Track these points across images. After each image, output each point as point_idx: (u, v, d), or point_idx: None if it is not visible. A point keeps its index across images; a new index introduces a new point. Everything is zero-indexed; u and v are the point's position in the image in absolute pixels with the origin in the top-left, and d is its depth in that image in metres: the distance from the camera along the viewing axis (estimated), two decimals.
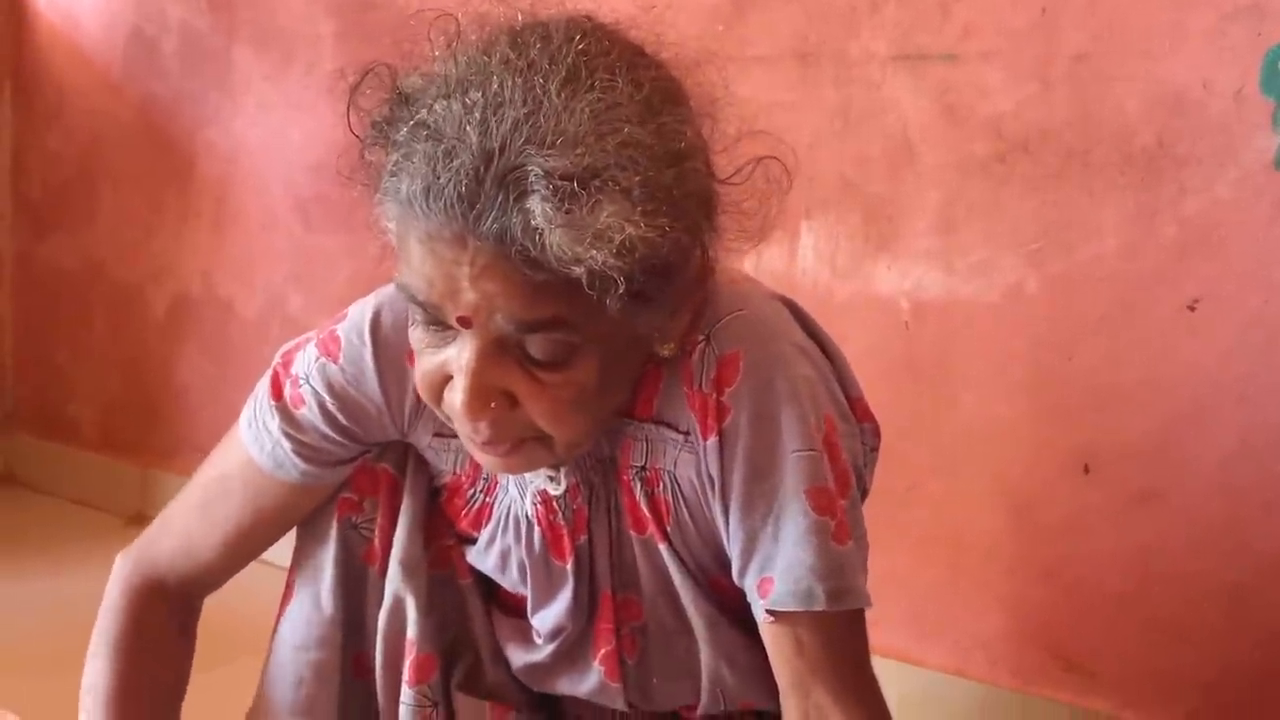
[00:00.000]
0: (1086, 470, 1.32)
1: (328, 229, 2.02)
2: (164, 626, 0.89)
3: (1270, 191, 1.20)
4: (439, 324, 0.68)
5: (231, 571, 0.91)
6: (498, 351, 0.67)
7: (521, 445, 0.71)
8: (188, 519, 0.89)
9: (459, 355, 0.68)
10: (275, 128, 2.08)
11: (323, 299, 2.03)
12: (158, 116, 2.27)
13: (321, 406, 0.82)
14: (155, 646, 0.89)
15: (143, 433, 2.34)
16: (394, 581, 0.86)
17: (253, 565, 0.92)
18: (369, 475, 0.87)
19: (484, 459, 0.74)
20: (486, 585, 0.92)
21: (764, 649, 0.80)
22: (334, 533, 0.88)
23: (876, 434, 0.83)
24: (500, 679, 0.92)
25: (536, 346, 0.67)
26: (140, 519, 2.28)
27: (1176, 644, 1.28)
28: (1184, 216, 1.24)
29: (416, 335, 0.71)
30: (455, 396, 0.68)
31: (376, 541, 0.88)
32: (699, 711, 0.88)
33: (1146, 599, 1.29)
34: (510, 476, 0.83)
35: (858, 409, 0.81)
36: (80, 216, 2.44)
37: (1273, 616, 1.22)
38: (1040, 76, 1.31)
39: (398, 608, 0.86)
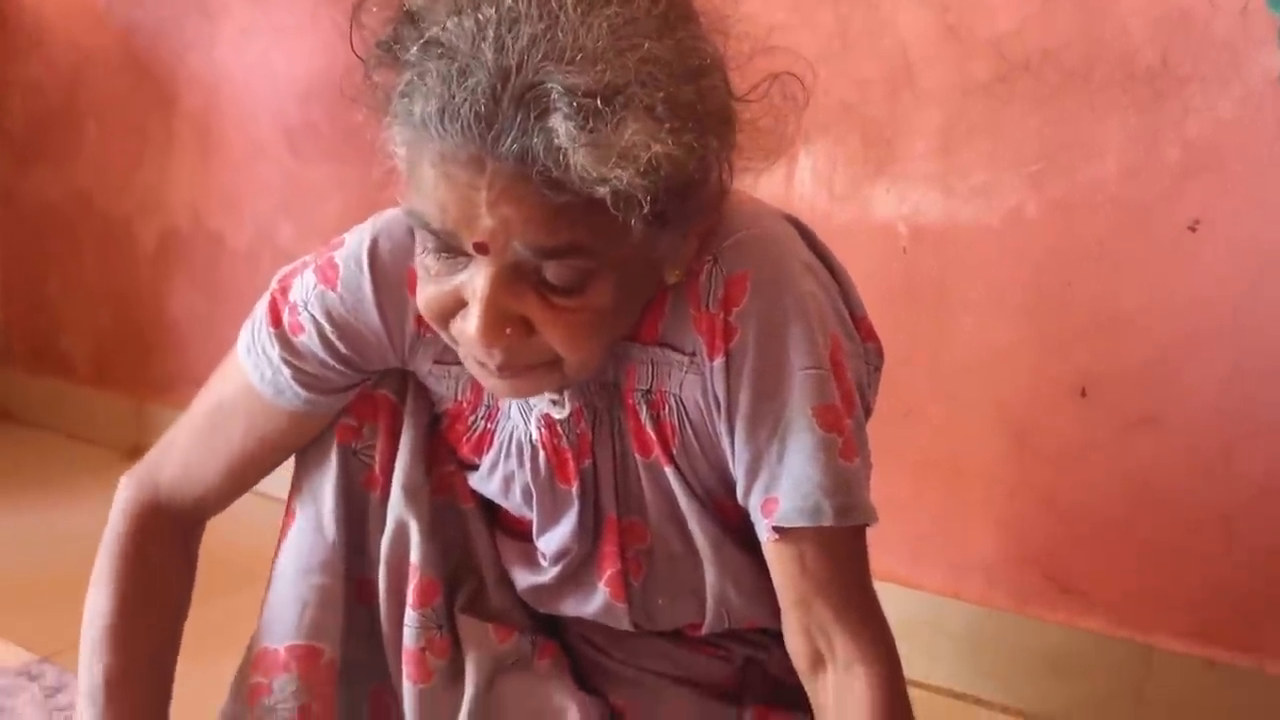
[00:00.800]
0: (1084, 395, 1.32)
1: (316, 158, 1.99)
2: (166, 550, 0.90)
3: (1275, 109, 1.18)
4: (451, 251, 0.67)
5: (233, 496, 0.90)
6: (513, 278, 0.66)
7: (531, 370, 0.70)
8: (189, 445, 0.88)
9: (472, 281, 0.66)
10: (259, 54, 2.04)
11: (314, 229, 2.00)
12: (139, 45, 2.23)
13: (321, 334, 0.81)
14: (157, 571, 0.89)
15: (136, 366, 2.34)
16: (396, 507, 0.86)
17: (250, 497, 0.92)
18: (368, 401, 0.87)
19: (490, 383, 0.73)
20: (489, 510, 0.92)
21: (767, 569, 0.81)
22: (334, 459, 0.87)
23: (880, 354, 0.83)
24: (503, 602, 0.93)
25: (553, 272, 0.66)
26: (137, 452, 2.27)
27: (1170, 566, 1.29)
28: (1187, 137, 1.23)
29: (426, 262, 0.69)
30: (469, 324, 0.67)
31: (377, 467, 0.87)
32: (703, 630, 0.89)
33: (1141, 522, 1.30)
34: (513, 402, 0.83)
35: (862, 328, 0.81)
36: (64, 148, 2.40)
37: (1264, 538, 1.23)
38: None
39: (400, 532, 0.87)
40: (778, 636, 0.88)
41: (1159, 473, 1.29)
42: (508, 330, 0.67)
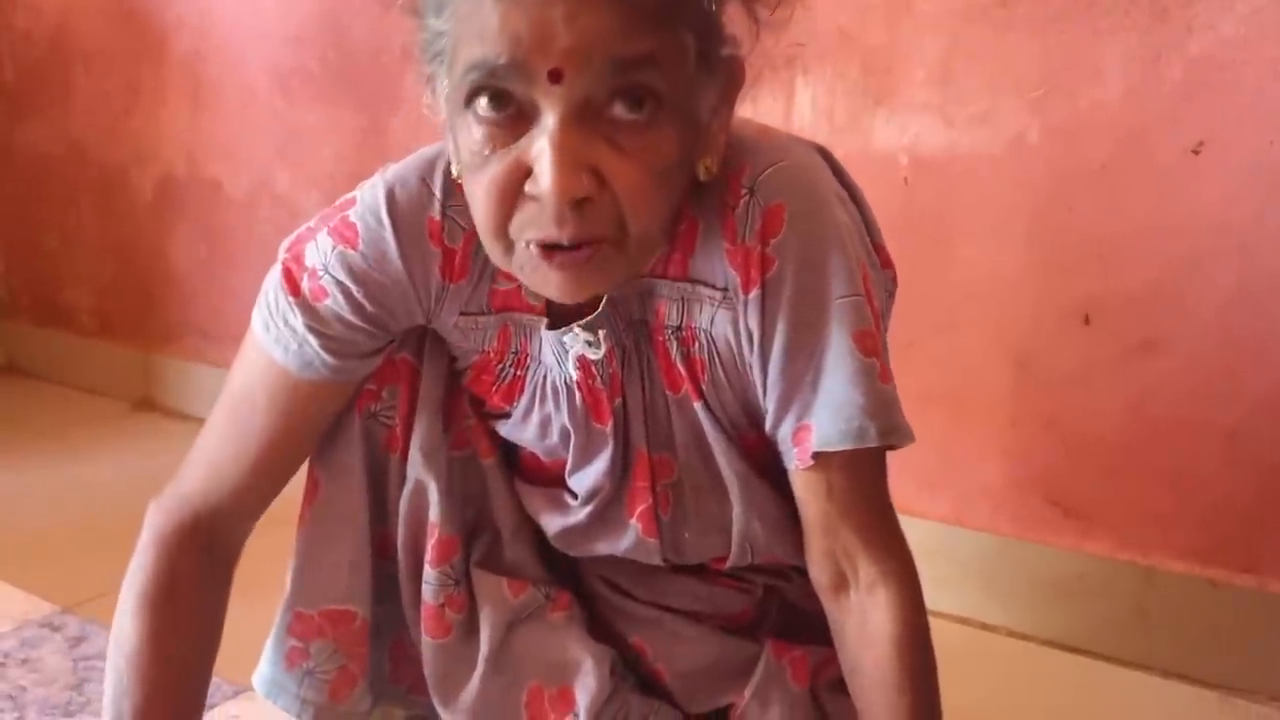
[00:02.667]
0: (1087, 321, 1.32)
1: (310, 103, 1.97)
2: (196, 577, 0.86)
3: (1279, 27, 1.16)
4: (509, 109, 0.65)
5: (266, 496, 0.88)
6: (582, 118, 0.64)
7: (598, 251, 0.68)
8: (214, 445, 0.86)
9: (538, 139, 0.64)
10: None
11: (311, 175, 1.99)
12: None
13: (347, 295, 0.79)
14: (186, 600, 0.85)
15: (141, 317, 2.34)
16: (415, 466, 0.87)
17: None
18: (388, 364, 0.86)
19: (554, 279, 0.70)
20: (508, 463, 0.93)
21: (792, 504, 0.82)
22: (356, 425, 0.87)
23: (895, 281, 0.84)
24: (519, 555, 0.94)
25: (622, 107, 0.64)
26: (146, 403, 2.30)
27: (1173, 488, 1.30)
28: (1190, 56, 1.21)
29: (476, 142, 0.66)
30: (541, 180, 0.64)
31: (398, 428, 0.88)
32: (727, 564, 0.90)
33: (1145, 446, 1.31)
34: (547, 346, 0.83)
35: (881, 255, 0.82)
36: (56, 98, 2.38)
37: (1266, 455, 1.24)
38: None
39: (419, 492, 0.87)
40: (796, 569, 0.91)
41: (1162, 396, 1.29)
42: (584, 177, 0.64)
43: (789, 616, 0.97)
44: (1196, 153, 1.22)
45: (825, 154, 0.81)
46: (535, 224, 0.67)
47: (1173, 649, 1.31)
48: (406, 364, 0.87)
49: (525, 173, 0.66)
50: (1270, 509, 1.25)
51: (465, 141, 0.68)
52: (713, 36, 0.68)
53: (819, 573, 0.82)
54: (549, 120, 0.64)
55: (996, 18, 1.31)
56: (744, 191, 0.75)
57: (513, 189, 0.66)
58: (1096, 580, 1.35)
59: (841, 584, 0.81)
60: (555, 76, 0.62)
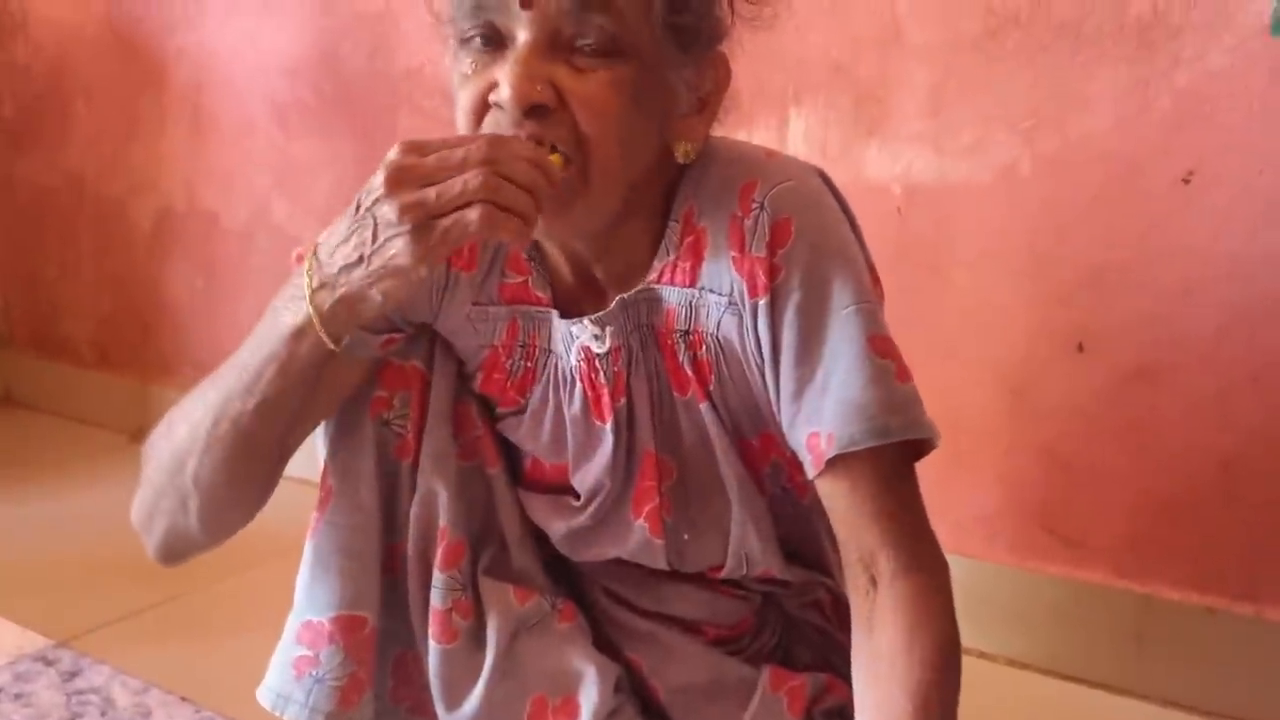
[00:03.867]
0: (1081, 349, 1.32)
1: (308, 135, 1.98)
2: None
3: (1266, 58, 1.17)
4: (490, 33, 0.73)
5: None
6: (549, 46, 0.72)
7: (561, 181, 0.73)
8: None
9: (510, 54, 0.72)
10: (247, 31, 2.03)
11: (308, 207, 2.00)
12: (124, 24, 2.21)
13: None
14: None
15: (138, 348, 2.34)
16: (426, 473, 0.88)
17: None
18: (399, 373, 0.88)
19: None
20: (514, 473, 0.94)
21: (784, 519, 0.85)
22: (369, 433, 0.88)
23: (881, 299, 0.86)
24: (525, 564, 0.94)
25: (587, 40, 0.72)
26: (143, 434, 2.29)
27: (1168, 516, 1.30)
28: (1178, 87, 1.22)
29: (463, 69, 0.75)
30: (504, 87, 0.72)
31: (410, 436, 0.89)
32: (723, 573, 0.91)
33: (1141, 473, 1.31)
34: (555, 334, 0.85)
35: (871, 274, 0.84)
36: (55, 132, 2.40)
37: (1262, 485, 1.24)
38: None
39: (430, 497, 0.88)
40: (788, 584, 0.92)
41: (1156, 423, 1.30)
42: (539, 88, 0.71)
43: (788, 626, 0.98)
44: (1187, 182, 1.23)
45: (824, 177, 0.84)
46: (496, 130, 0.73)
47: (1170, 677, 1.31)
48: (417, 372, 0.89)
49: (494, 87, 0.73)
50: (1267, 537, 1.25)
51: (456, 73, 0.76)
52: (684, 9, 0.74)
53: (852, 582, 0.81)
54: (519, 40, 0.72)
55: (987, 49, 1.32)
56: (754, 205, 0.79)
57: (482, 99, 0.74)
58: (1093, 608, 1.35)
59: (871, 588, 0.80)
60: (525, 3, 0.71)
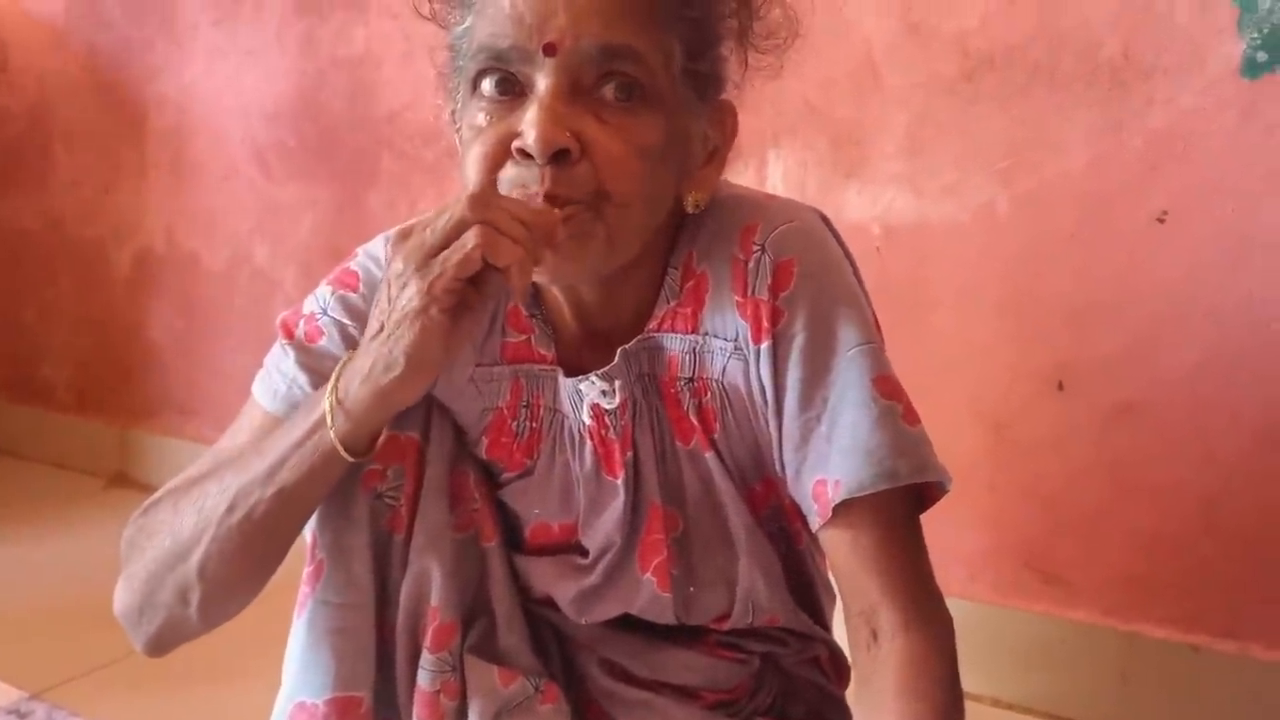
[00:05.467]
0: (1060, 387, 1.33)
1: (288, 178, 1.98)
2: None
3: (1237, 99, 1.19)
4: (508, 82, 0.71)
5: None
6: (573, 93, 0.70)
7: (575, 216, 0.71)
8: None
9: (532, 100, 0.70)
10: (227, 75, 2.04)
11: (289, 249, 2.00)
12: (105, 68, 2.22)
13: (344, 332, 0.81)
14: None
15: (117, 392, 2.33)
16: (419, 551, 0.85)
17: None
18: (393, 443, 0.85)
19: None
20: (511, 546, 0.92)
21: (793, 565, 0.83)
22: (362, 506, 0.85)
23: (883, 340, 0.86)
24: (511, 643, 0.91)
25: (610, 91, 0.71)
26: (121, 479, 2.27)
27: (1151, 553, 1.30)
28: (1151, 128, 1.24)
29: (477, 120, 0.72)
30: (528, 134, 0.69)
31: (403, 509, 0.86)
32: (729, 623, 0.89)
33: (1122, 511, 1.31)
34: (563, 393, 0.83)
35: (872, 315, 0.84)
36: (35, 175, 2.39)
37: (1244, 522, 1.25)
38: None
39: (423, 577, 0.85)
40: (794, 634, 0.90)
41: (1137, 461, 1.30)
42: (565, 134, 0.69)
43: (784, 684, 0.96)
44: (1161, 221, 1.25)
45: (824, 219, 0.84)
46: (518, 182, 0.71)
47: (1155, 715, 1.30)
48: (411, 443, 0.86)
49: (515, 136, 0.70)
50: (1250, 574, 1.25)
51: (468, 124, 0.73)
52: (701, 57, 0.74)
53: (854, 636, 0.79)
54: (541, 87, 0.70)
55: (963, 91, 1.34)
56: (756, 248, 0.78)
57: (502, 148, 0.71)
58: (1077, 646, 1.35)
59: (872, 642, 0.78)
60: (550, 50, 0.69)
